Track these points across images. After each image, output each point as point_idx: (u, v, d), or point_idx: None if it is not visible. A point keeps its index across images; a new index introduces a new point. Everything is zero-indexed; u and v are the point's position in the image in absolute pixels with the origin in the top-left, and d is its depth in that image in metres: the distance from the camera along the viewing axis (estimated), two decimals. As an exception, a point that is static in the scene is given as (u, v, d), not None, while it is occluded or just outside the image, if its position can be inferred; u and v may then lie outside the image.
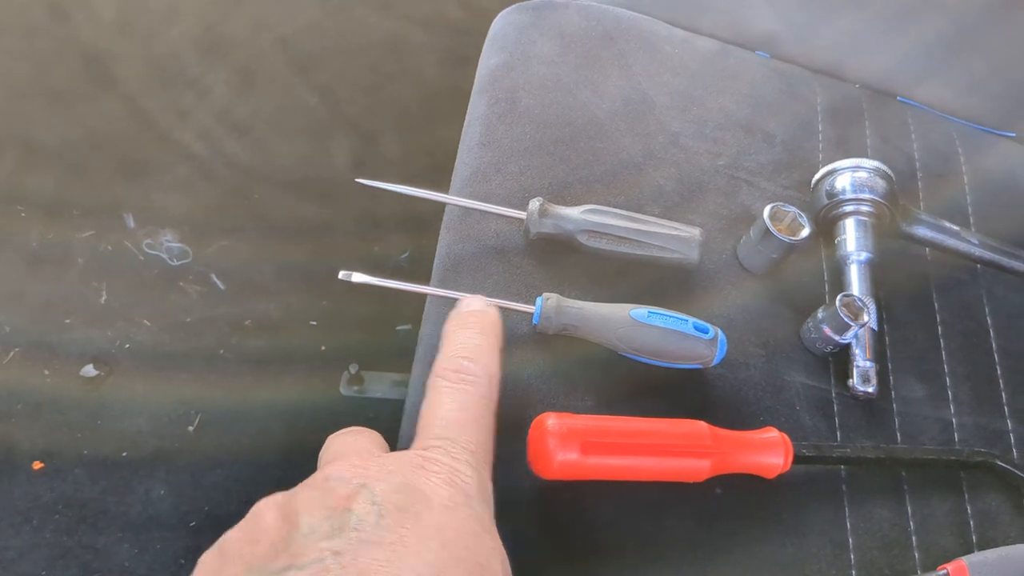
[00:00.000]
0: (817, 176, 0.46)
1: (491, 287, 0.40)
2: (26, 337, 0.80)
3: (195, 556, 0.23)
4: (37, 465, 0.73)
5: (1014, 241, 0.48)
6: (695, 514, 0.35)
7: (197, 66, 0.97)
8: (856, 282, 0.43)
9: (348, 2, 1.02)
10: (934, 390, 0.43)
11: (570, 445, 0.31)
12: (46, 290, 0.82)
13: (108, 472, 0.73)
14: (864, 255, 0.44)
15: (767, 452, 0.35)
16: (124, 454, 0.74)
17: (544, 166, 0.45)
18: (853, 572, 0.36)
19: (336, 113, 0.97)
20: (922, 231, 0.46)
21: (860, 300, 0.40)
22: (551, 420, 0.32)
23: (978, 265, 0.48)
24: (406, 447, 0.27)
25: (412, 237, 0.87)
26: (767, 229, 0.41)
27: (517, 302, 0.37)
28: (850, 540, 0.36)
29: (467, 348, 0.30)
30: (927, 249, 0.48)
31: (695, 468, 0.33)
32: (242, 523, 0.24)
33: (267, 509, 0.24)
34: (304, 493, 0.24)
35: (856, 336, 0.41)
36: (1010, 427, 0.43)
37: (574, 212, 0.40)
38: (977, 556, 0.35)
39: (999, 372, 0.45)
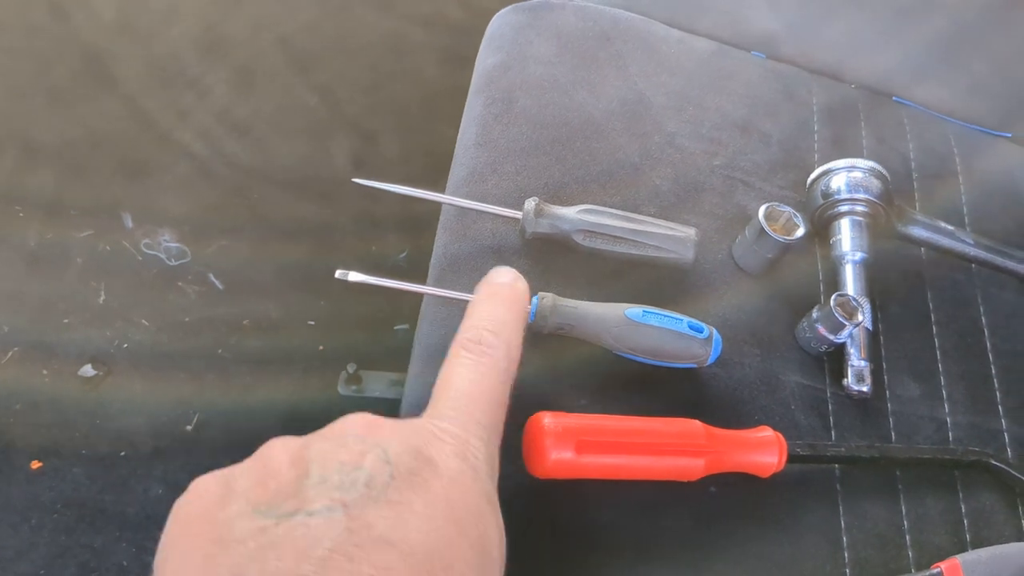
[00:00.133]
0: (812, 176, 0.46)
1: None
2: (25, 337, 0.80)
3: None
4: (35, 464, 0.73)
5: (1009, 241, 0.49)
6: (690, 513, 0.35)
7: (196, 66, 0.97)
8: (851, 282, 0.43)
9: (348, 2, 1.02)
10: (929, 389, 0.43)
11: (565, 444, 0.32)
12: (45, 290, 0.82)
13: (106, 471, 0.73)
14: (859, 255, 0.44)
15: (762, 451, 0.35)
16: (122, 453, 0.74)
17: (540, 166, 0.45)
18: (847, 570, 0.36)
19: (335, 113, 0.97)
20: (917, 231, 0.47)
21: (855, 300, 0.40)
22: (546, 419, 0.32)
23: (973, 265, 0.49)
24: None
25: (410, 237, 0.88)
26: (762, 229, 0.41)
27: (513, 301, 0.37)
28: (844, 538, 0.36)
29: (491, 321, 0.30)
30: (922, 249, 0.48)
31: (690, 467, 0.34)
32: (250, 461, 0.24)
33: (279, 452, 0.24)
34: (318, 443, 0.24)
35: (851, 335, 0.41)
36: (1004, 426, 0.43)
37: (570, 212, 0.40)
38: (971, 555, 0.35)
39: (993, 372, 0.45)
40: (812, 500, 0.37)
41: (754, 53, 0.57)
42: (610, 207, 0.41)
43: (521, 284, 0.32)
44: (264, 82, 0.98)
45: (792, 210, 0.42)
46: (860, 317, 0.39)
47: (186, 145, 0.93)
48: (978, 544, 0.38)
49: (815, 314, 0.41)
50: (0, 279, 0.82)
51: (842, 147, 0.52)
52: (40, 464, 0.73)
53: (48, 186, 0.88)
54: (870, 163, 0.45)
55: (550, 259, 0.41)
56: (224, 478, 0.23)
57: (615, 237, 0.40)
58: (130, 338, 0.80)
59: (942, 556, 0.36)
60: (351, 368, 0.75)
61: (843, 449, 0.38)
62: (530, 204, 0.40)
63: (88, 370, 0.78)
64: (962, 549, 0.37)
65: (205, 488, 0.23)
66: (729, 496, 0.36)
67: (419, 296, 0.40)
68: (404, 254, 0.88)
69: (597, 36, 0.53)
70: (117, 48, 0.96)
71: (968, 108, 0.59)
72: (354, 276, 0.36)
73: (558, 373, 0.38)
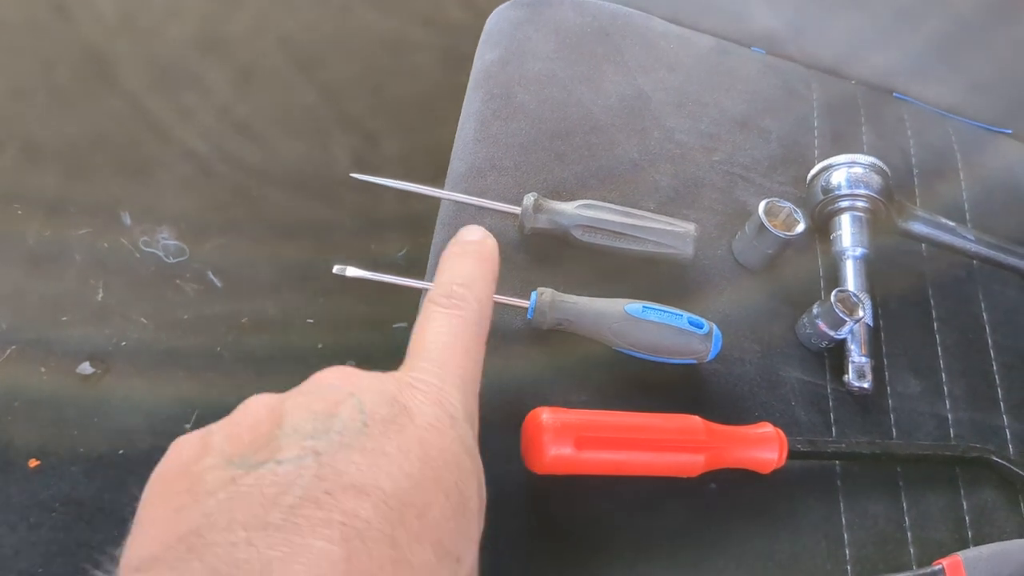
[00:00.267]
0: (813, 172, 0.46)
1: (486, 282, 0.39)
2: (23, 335, 0.79)
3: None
4: (33, 463, 0.73)
5: (1010, 237, 0.48)
6: (690, 509, 0.35)
7: (196, 65, 0.97)
8: (851, 278, 0.43)
9: (348, 1, 1.02)
10: (930, 386, 0.43)
11: (564, 440, 0.31)
12: (43, 287, 0.82)
13: (104, 470, 0.73)
14: (860, 251, 0.44)
15: (762, 447, 0.35)
16: (120, 452, 0.74)
17: (539, 162, 0.45)
18: (848, 567, 0.36)
19: (335, 111, 0.97)
20: (918, 227, 0.46)
21: (855, 296, 0.40)
22: (545, 415, 0.32)
23: (974, 261, 0.48)
24: None
25: (409, 235, 0.87)
26: (762, 224, 0.41)
27: (512, 297, 0.37)
28: (845, 535, 0.36)
29: (462, 276, 0.30)
30: (923, 245, 0.48)
31: (689, 463, 0.33)
32: (228, 417, 0.24)
33: (255, 407, 0.24)
34: (294, 397, 0.24)
35: (851, 332, 0.41)
36: (1006, 423, 0.43)
37: (569, 207, 0.40)
38: (972, 551, 0.35)
39: (995, 368, 0.44)
40: (813, 497, 0.37)
41: (754, 49, 0.57)
42: (609, 203, 0.41)
43: (490, 241, 0.33)
44: (264, 81, 0.98)
45: (792, 206, 0.41)
46: (861, 313, 0.39)
47: (185, 143, 0.92)
48: (980, 541, 0.37)
49: (816, 310, 0.41)
50: (-2, 277, 0.82)
51: (842, 143, 0.52)
52: (38, 462, 0.73)
53: (47, 184, 0.88)
54: (871, 159, 0.45)
55: (549, 255, 0.41)
56: (202, 434, 0.23)
57: (614, 232, 0.40)
58: (129, 336, 0.80)
59: (944, 553, 0.35)
60: (350, 366, 0.75)
61: (844, 445, 0.37)
62: (529, 200, 0.40)
63: (86, 368, 0.78)
64: (964, 546, 0.37)
65: (183, 445, 0.23)
66: (729, 492, 0.35)
67: (417, 293, 0.39)
68: (403, 252, 0.87)
69: (596, 31, 0.53)
70: (117, 47, 0.96)
71: (969, 104, 0.58)
72: (352, 271, 0.36)
73: (557, 369, 0.37)
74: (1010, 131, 0.58)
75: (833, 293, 0.39)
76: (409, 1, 1.03)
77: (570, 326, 0.37)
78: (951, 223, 0.47)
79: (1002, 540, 0.36)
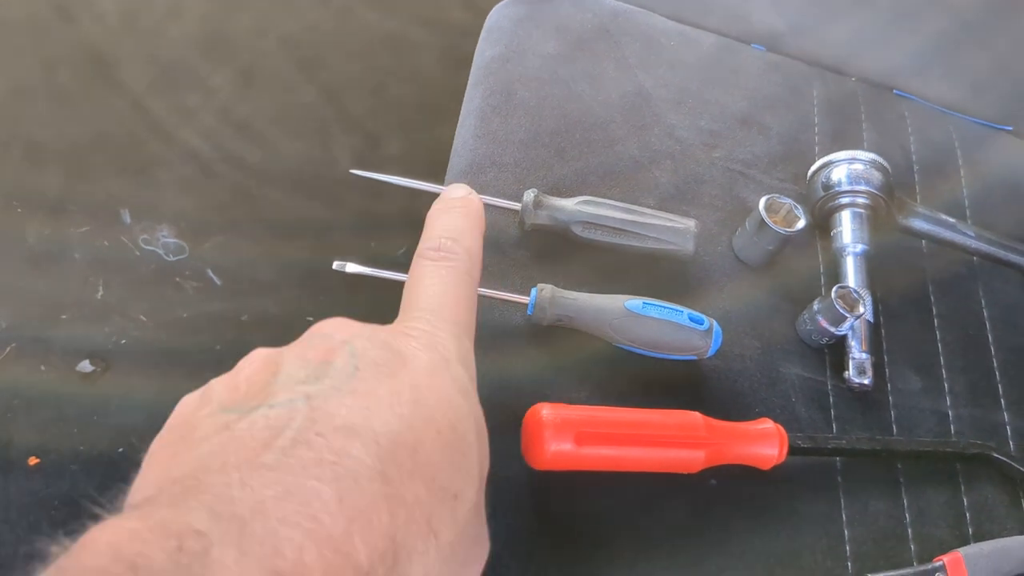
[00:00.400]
0: (813, 168, 0.46)
1: (486, 278, 0.39)
2: (22, 333, 0.79)
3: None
4: (33, 461, 0.73)
5: (1011, 234, 0.48)
6: (690, 505, 0.35)
7: (196, 64, 0.97)
8: (852, 274, 0.43)
9: (350, 1, 1.02)
10: (930, 382, 0.43)
11: (564, 435, 0.31)
12: (42, 286, 0.82)
13: (104, 468, 0.73)
14: (860, 247, 0.43)
15: (762, 443, 0.35)
16: (120, 450, 0.74)
17: (539, 158, 0.45)
18: (849, 564, 0.35)
19: (335, 110, 0.97)
20: (919, 223, 0.46)
21: (856, 292, 0.40)
22: (545, 410, 0.32)
23: (975, 258, 0.48)
24: None
25: (409, 234, 0.86)
26: (763, 221, 0.41)
27: (512, 293, 0.37)
28: (846, 532, 0.36)
29: (449, 230, 0.30)
30: (923, 242, 0.48)
31: (690, 459, 0.33)
32: (229, 372, 0.24)
33: (254, 359, 0.24)
34: (291, 348, 0.24)
35: (852, 328, 0.41)
36: (1006, 419, 0.43)
37: (569, 203, 0.40)
38: (973, 548, 0.35)
39: (995, 364, 0.44)
40: (813, 493, 0.37)
41: (755, 46, 0.57)
42: (609, 199, 0.41)
43: (475, 197, 0.33)
44: (264, 80, 0.98)
45: (793, 202, 0.41)
46: (861, 309, 0.39)
47: (185, 142, 0.92)
48: (980, 537, 0.37)
49: (816, 306, 0.40)
50: (-2, 275, 0.82)
51: (843, 140, 0.52)
52: (37, 460, 0.73)
53: (47, 183, 0.88)
54: (871, 155, 0.44)
55: (549, 251, 0.41)
56: (204, 389, 0.23)
57: (614, 229, 0.40)
58: (128, 334, 0.80)
59: (944, 549, 0.35)
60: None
61: (844, 442, 0.37)
62: (529, 196, 0.40)
63: (86, 366, 0.78)
64: (964, 542, 0.37)
65: (186, 401, 0.23)
66: (729, 489, 0.35)
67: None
68: (403, 250, 0.87)
69: (596, 28, 0.53)
70: (117, 46, 0.96)
71: (970, 101, 0.58)
72: (351, 267, 0.36)
73: (557, 365, 0.37)
74: (1011, 128, 0.58)
75: (834, 289, 0.39)
76: (409, 1, 1.03)
77: (570, 322, 0.37)
78: (952, 220, 0.47)
79: (1003, 536, 0.36)
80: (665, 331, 0.36)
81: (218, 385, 0.23)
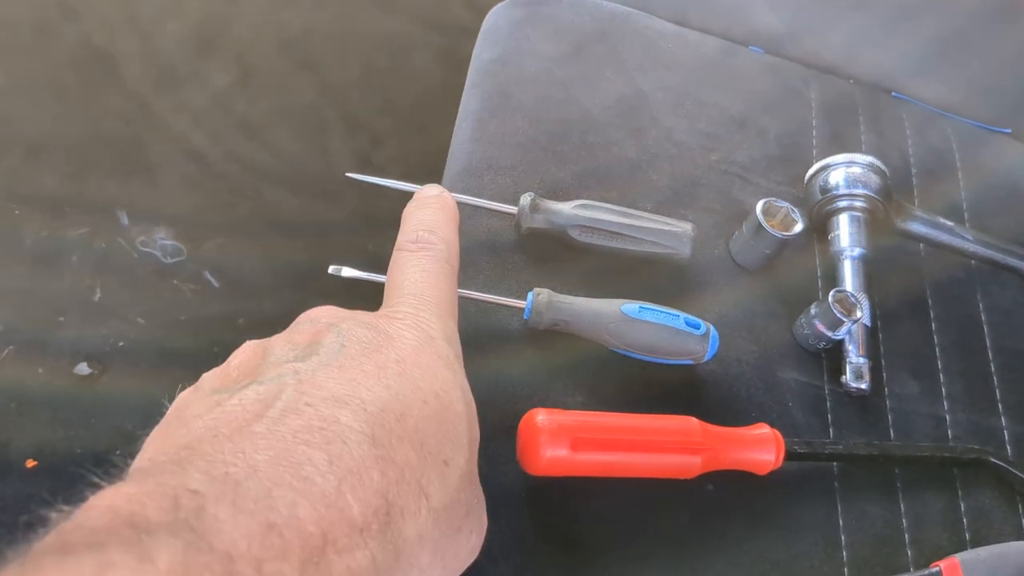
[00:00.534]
0: (811, 171, 0.46)
1: (482, 282, 0.39)
2: (20, 335, 0.79)
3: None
4: (30, 463, 0.73)
5: (1009, 238, 0.48)
6: (686, 511, 0.35)
7: (194, 64, 0.97)
8: (849, 278, 0.43)
9: (349, 1, 1.01)
10: (928, 386, 0.42)
11: (560, 441, 0.31)
12: (40, 288, 0.82)
13: (102, 470, 0.73)
14: (858, 251, 0.43)
15: (759, 448, 0.35)
16: (118, 452, 0.74)
17: (536, 161, 0.45)
18: (845, 570, 0.35)
19: (335, 112, 0.96)
20: (916, 227, 0.46)
21: (853, 296, 0.40)
22: (541, 416, 0.32)
23: (972, 261, 0.48)
24: None
25: (407, 235, 0.87)
26: (760, 224, 0.40)
27: (508, 297, 0.37)
28: (842, 537, 0.36)
29: (426, 223, 0.31)
30: (921, 245, 0.48)
31: (686, 464, 0.33)
32: (220, 365, 0.25)
33: (243, 349, 0.25)
34: (278, 335, 0.25)
35: (849, 332, 0.41)
36: (1004, 424, 0.42)
37: (566, 207, 0.40)
38: (970, 553, 0.35)
39: (993, 368, 0.44)
40: (810, 498, 0.37)
41: (752, 48, 0.57)
42: (606, 202, 0.41)
43: (448, 195, 0.34)
44: (262, 81, 0.98)
45: (790, 206, 0.41)
46: (858, 313, 0.39)
47: (183, 143, 0.92)
48: (977, 543, 0.37)
49: (813, 310, 0.40)
50: (-4, 277, 0.82)
51: (840, 143, 0.52)
52: (35, 463, 0.73)
53: (45, 184, 0.88)
54: (869, 158, 0.44)
55: (546, 255, 0.41)
56: (197, 383, 0.24)
57: (611, 232, 0.40)
58: (126, 336, 0.80)
59: (941, 555, 0.35)
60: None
61: (841, 447, 0.37)
62: (526, 199, 0.40)
63: (84, 368, 0.78)
64: (961, 548, 0.37)
65: (182, 396, 0.24)
66: (726, 494, 0.35)
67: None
68: (401, 252, 0.87)
69: (594, 31, 0.53)
70: (114, 45, 0.96)
71: (968, 104, 0.58)
72: (347, 272, 0.36)
73: (553, 370, 0.37)
74: (1009, 131, 0.58)
75: (831, 293, 0.39)
76: (410, 1, 1.03)
77: (567, 327, 0.37)
78: (949, 223, 0.47)
79: (1000, 542, 0.36)
80: (662, 336, 0.36)
81: (209, 375, 0.24)
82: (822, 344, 0.41)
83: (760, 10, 0.59)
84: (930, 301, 0.46)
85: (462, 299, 0.35)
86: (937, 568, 0.34)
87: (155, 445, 0.21)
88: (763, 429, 0.35)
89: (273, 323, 0.29)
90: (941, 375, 0.43)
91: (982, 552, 0.35)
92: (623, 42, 0.53)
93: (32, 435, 0.74)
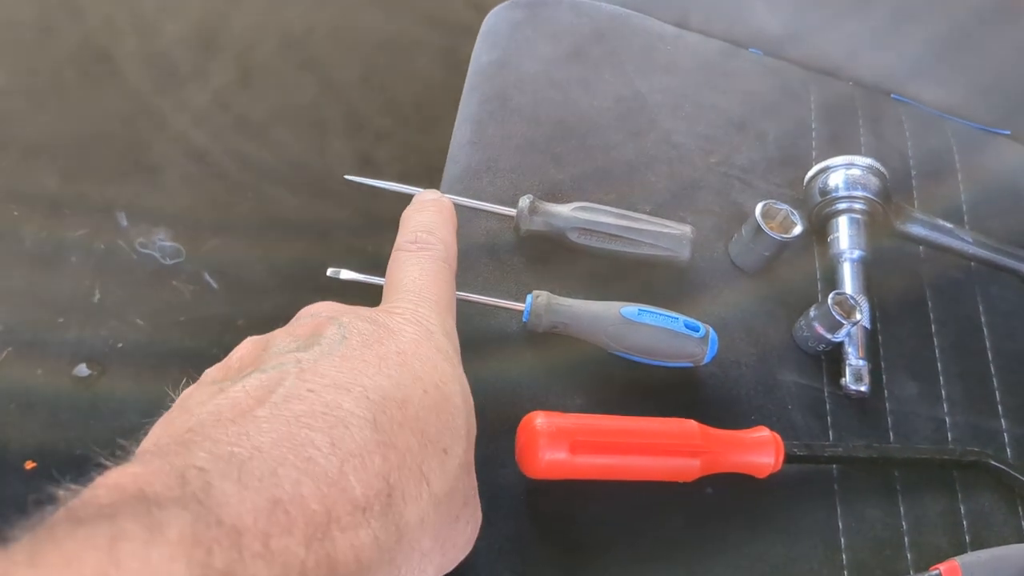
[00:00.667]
0: (810, 174, 0.46)
1: (481, 284, 0.39)
2: (19, 336, 0.79)
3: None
4: (29, 465, 0.72)
5: (1009, 239, 0.48)
6: (685, 514, 0.35)
7: (193, 65, 0.97)
8: (849, 280, 0.43)
9: (349, 1, 1.01)
10: (927, 389, 0.42)
11: (558, 444, 0.31)
12: (39, 289, 0.82)
13: (101, 472, 0.73)
14: (857, 253, 0.43)
15: (758, 451, 0.35)
16: (117, 454, 0.74)
17: (535, 163, 0.45)
18: (845, 573, 0.35)
19: (332, 112, 0.96)
20: (916, 229, 0.46)
21: (852, 298, 0.40)
22: (539, 419, 0.32)
23: (972, 263, 0.48)
24: None
25: (407, 236, 0.87)
26: (759, 227, 0.40)
27: (507, 299, 0.37)
28: (842, 540, 0.36)
29: (424, 224, 0.32)
30: (921, 247, 0.48)
31: (685, 467, 0.33)
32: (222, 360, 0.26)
33: (244, 344, 0.26)
34: (279, 329, 0.26)
35: (849, 334, 0.41)
36: (1004, 426, 0.42)
37: (564, 209, 0.40)
38: (970, 556, 0.35)
39: (992, 371, 0.44)
40: (809, 501, 0.37)
41: (752, 50, 0.57)
42: (605, 205, 0.41)
43: (446, 199, 0.35)
44: (262, 81, 0.98)
45: (789, 208, 0.41)
46: (858, 316, 0.39)
47: (182, 145, 0.92)
48: (977, 545, 0.37)
49: (813, 313, 0.40)
50: (-5, 278, 0.82)
51: (840, 145, 0.52)
52: (34, 464, 0.72)
53: (44, 185, 0.87)
54: (868, 160, 0.44)
55: (545, 257, 0.41)
56: (201, 376, 0.25)
57: (610, 235, 0.40)
58: (125, 338, 0.80)
59: (941, 558, 0.35)
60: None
61: (841, 449, 0.37)
62: (524, 201, 0.40)
63: (83, 370, 0.77)
64: (961, 550, 0.37)
65: (186, 391, 0.24)
66: (725, 497, 0.35)
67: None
68: (400, 253, 0.87)
69: (593, 33, 0.53)
70: (111, 45, 0.96)
71: (967, 105, 0.58)
72: (346, 274, 0.36)
73: (552, 372, 0.37)
74: (1008, 132, 0.58)
75: (830, 296, 0.39)
76: (411, 1, 1.03)
77: (566, 329, 0.37)
78: (949, 225, 0.47)
79: (1000, 545, 0.36)
80: (661, 338, 0.36)
81: (211, 369, 0.25)
82: (821, 346, 0.41)
83: (759, 12, 0.59)
84: (930, 303, 0.46)
85: (461, 302, 0.35)
86: (937, 571, 0.34)
87: (159, 431, 0.22)
88: (762, 432, 0.35)
89: (272, 324, 0.29)
90: (941, 377, 0.43)
91: (982, 555, 0.35)
92: (622, 44, 0.53)
93: (31, 437, 0.74)
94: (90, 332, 0.80)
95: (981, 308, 0.47)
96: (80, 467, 0.18)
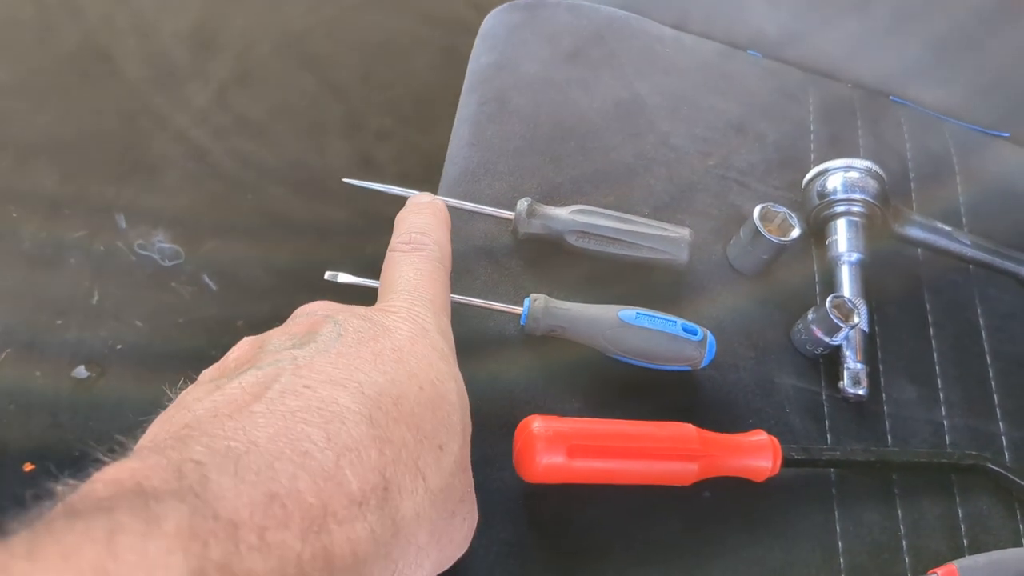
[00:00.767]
0: (808, 176, 0.46)
1: (479, 287, 0.39)
2: (18, 338, 0.79)
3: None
4: (28, 467, 0.72)
5: (1007, 242, 0.48)
6: (683, 518, 0.35)
7: (192, 67, 0.97)
8: (847, 283, 0.43)
9: (349, 1, 1.01)
10: (925, 392, 0.42)
11: (556, 448, 0.31)
12: (38, 291, 0.82)
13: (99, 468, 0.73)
14: (855, 256, 0.43)
15: (756, 455, 0.35)
16: (115, 450, 0.74)
17: (533, 166, 0.44)
18: (843, 576, 0.35)
19: (332, 113, 0.96)
20: (914, 232, 0.46)
21: (851, 301, 0.40)
22: (537, 423, 0.32)
23: (970, 266, 0.48)
24: None
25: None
26: (757, 230, 0.40)
27: (505, 303, 0.37)
28: (840, 544, 0.36)
29: (418, 226, 0.32)
30: (919, 250, 0.48)
31: (683, 471, 0.33)
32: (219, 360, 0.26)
33: (240, 344, 0.26)
34: (277, 328, 0.26)
35: (847, 338, 0.41)
36: (1002, 429, 0.42)
37: (562, 212, 0.40)
38: (968, 560, 0.35)
39: (991, 374, 0.44)
40: (807, 505, 0.37)
41: (750, 52, 0.57)
42: (603, 207, 0.41)
43: (440, 201, 0.35)
44: (261, 81, 0.98)
45: (787, 211, 0.41)
46: (856, 319, 0.39)
47: (181, 145, 0.92)
48: (975, 549, 0.37)
49: (811, 316, 0.40)
50: (-7, 279, 0.82)
51: (838, 147, 0.52)
52: (33, 466, 0.72)
53: (41, 186, 0.87)
54: (867, 163, 0.44)
55: (542, 260, 0.41)
56: (198, 377, 0.25)
57: (608, 238, 0.40)
58: (124, 339, 0.80)
59: (939, 562, 0.35)
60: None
61: (839, 453, 0.37)
62: (522, 204, 0.40)
63: (81, 371, 0.77)
64: (959, 554, 0.37)
65: (183, 391, 0.24)
66: (723, 501, 0.35)
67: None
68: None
69: (592, 35, 0.53)
70: (109, 47, 0.96)
71: (966, 108, 0.58)
72: (344, 277, 0.36)
73: (550, 376, 0.37)
74: (1007, 134, 0.58)
75: (828, 299, 0.39)
76: (412, 1, 1.03)
77: (563, 333, 0.37)
78: (947, 228, 0.47)
79: (998, 549, 0.36)
80: (658, 342, 0.36)
81: (208, 369, 0.25)
82: (820, 350, 0.41)
83: (758, 14, 0.59)
84: (928, 306, 0.46)
85: (458, 305, 0.35)
86: (935, 575, 0.34)
87: (156, 428, 0.22)
88: (760, 435, 0.35)
89: (271, 325, 0.29)
90: (939, 380, 0.43)
91: (980, 559, 0.35)
92: (620, 46, 0.53)
93: (30, 439, 0.74)
94: (89, 333, 0.80)
95: (980, 311, 0.47)
96: (79, 468, 0.18)
